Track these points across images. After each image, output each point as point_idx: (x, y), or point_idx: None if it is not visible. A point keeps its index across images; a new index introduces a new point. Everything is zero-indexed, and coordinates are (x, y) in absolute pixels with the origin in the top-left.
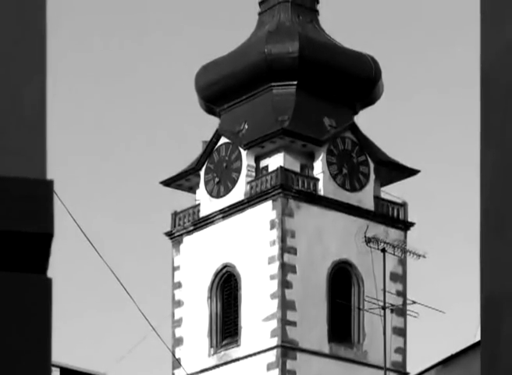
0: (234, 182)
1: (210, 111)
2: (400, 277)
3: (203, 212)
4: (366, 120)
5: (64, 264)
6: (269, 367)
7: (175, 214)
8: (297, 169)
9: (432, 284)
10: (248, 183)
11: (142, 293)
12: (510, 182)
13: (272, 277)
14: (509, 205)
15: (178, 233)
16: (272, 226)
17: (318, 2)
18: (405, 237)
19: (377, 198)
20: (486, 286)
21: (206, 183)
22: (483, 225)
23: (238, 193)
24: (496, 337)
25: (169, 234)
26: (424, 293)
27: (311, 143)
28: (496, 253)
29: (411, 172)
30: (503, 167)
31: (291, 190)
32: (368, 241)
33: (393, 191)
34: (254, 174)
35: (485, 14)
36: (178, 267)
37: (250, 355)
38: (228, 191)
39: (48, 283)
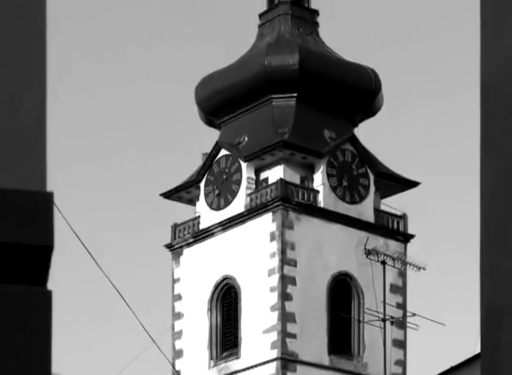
0: (234, 194)
1: (210, 123)
2: (400, 289)
3: (203, 225)
4: (366, 132)
5: (64, 276)
6: None
7: (175, 226)
8: (297, 181)
9: (432, 296)
10: (248, 195)
11: (142, 305)
12: (511, 192)
13: (272, 289)
14: (509, 215)
15: (178, 246)
16: (272, 239)
17: (318, 15)
18: (405, 249)
19: (377, 210)
20: (486, 297)
21: (206, 195)
22: (483, 236)
23: (238, 205)
24: (496, 349)
25: (169, 246)
26: (424, 305)
27: (311, 155)
28: (496, 264)
29: (411, 184)
30: (503, 177)
31: (291, 202)
32: (367, 253)
33: (393, 203)
34: (254, 186)
35: (485, 24)
36: (178, 279)
37: (251, 368)
38: (228, 203)
39: (48, 295)
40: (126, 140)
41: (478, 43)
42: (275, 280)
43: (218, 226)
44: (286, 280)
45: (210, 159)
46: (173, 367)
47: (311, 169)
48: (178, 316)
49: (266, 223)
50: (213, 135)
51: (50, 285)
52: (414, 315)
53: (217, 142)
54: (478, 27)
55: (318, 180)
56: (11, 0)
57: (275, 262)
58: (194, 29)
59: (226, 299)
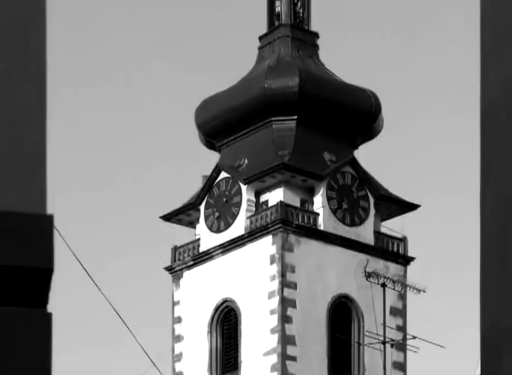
0: (234, 217)
1: (210, 145)
2: (400, 312)
3: (203, 247)
4: (366, 155)
5: (64, 299)
6: None
7: (175, 249)
8: (297, 203)
9: (432, 319)
10: (248, 217)
11: (142, 327)
12: (511, 215)
13: (272, 312)
14: (509, 238)
15: (178, 268)
16: (272, 261)
17: (318, 37)
18: (405, 271)
19: (377, 233)
20: (486, 320)
21: (206, 217)
22: (483, 259)
23: (238, 228)
24: (496, 371)
25: (169, 269)
26: (424, 328)
27: (311, 178)
28: (497, 287)
29: (411, 206)
30: (503, 200)
31: (291, 224)
32: (367, 275)
33: (393, 226)
34: (254, 209)
35: (485, 47)
36: (178, 302)
37: None
38: (228, 225)
39: (48, 317)
40: (126, 162)
41: (479, 65)
42: (275, 302)
43: (218, 248)
44: (286, 303)
45: (210, 182)
46: None
47: (311, 192)
48: (178, 338)
49: (266, 245)
50: (213, 158)
51: (50, 307)
52: (414, 337)
53: (217, 165)
54: (479, 49)
55: (318, 202)
56: (13, 27)
57: (275, 284)
58: (194, 51)
59: (226, 322)
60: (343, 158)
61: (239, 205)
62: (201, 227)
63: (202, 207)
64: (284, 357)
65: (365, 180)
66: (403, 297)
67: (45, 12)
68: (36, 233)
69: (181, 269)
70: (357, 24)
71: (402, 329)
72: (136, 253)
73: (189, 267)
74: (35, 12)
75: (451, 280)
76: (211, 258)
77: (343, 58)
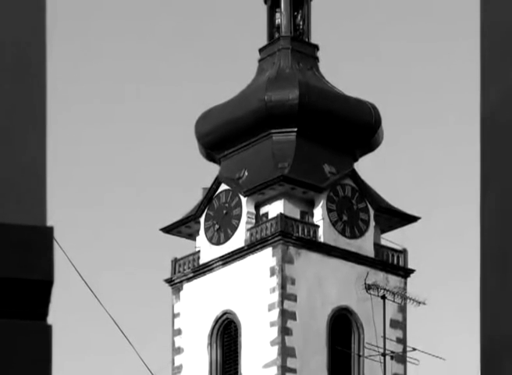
0: (234, 229)
1: (210, 158)
2: (400, 324)
3: (203, 259)
4: (366, 167)
5: (64, 311)
6: None
7: (175, 261)
8: (297, 215)
9: (432, 331)
10: (248, 230)
11: (142, 340)
12: (511, 228)
13: (272, 324)
14: (509, 251)
15: (178, 280)
16: (272, 273)
17: (318, 49)
18: (405, 283)
19: (377, 245)
20: (486, 332)
21: (206, 230)
22: (483, 271)
23: (238, 240)
24: None
25: (169, 281)
26: (424, 340)
27: (311, 190)
28: (497, 299)
29: (411, 219)
30: (503, 212)
31: (291, 237)
32: (367, 287)
33: (393, 238)
34: (254, 221)
35: (485, 63)
36: (178, 314)
37: None
38: (228, 237)
39: (48, 329)
40: (125, 174)
41: (479, 77)
42: (275, 314)
43: (218, 260)
44: (286, 315)
45: (210, 194)
46: None
47: (311, 204)
48: (178, 350)
49: (266, 257)
50: (213, 170)
51: (50, 319)
52: (414, 349)
53: (217, 177)
54: (479, 64)
55: (318, 214)
56: (15, 49)
57: (275, 296)
58: (194, 63)
59: (226, 334)
60: (343, 170)
61: (239, 217)
62: (201, 239)
63: (202, 219)
64: (284, 369)
65: (365, 192)
66: (403, 309)
67: (45, 36)
68: (36, 246)
69: (181, 282)
70: (356, 36)
71: (402, 341)
72: (136, 265)
73: (189, 279)
74: (35, 36)
75: (451, 293)
76: (211, 270)
77: (343, 70)
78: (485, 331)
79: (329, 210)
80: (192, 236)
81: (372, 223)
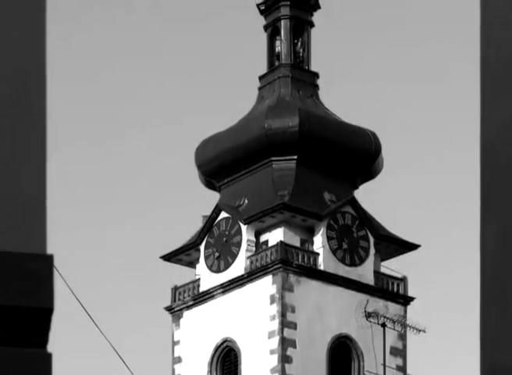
0: (234, 257)
1: (210, 185)
2: (400, 352)
3: (203, 287)
4: (366, 195)
5: (64, 338)
6: None
7: (175, 289)
8: (297, 243)
9: (433, 359)
10: (248, 257)
11: (142, 367)
12: (510, 256)
13: (272, 352)
14: (509, 279)
15: (178, 308)
16: (272, 301)
17: (318, 77)
18: (405, 311)
19: (377, 273)
20: (486, 360)
21: (206, 257)
22: (483, 299)
23: (238, 268)
24: None
25: (169, 309)
26: (424, 368)
27: (311, 218)
28: (497, 327)
29: (411, 246)
30: (503, 241)
31: (291, 264)
32: (368, 315)
33: (393, 266)
34: (254, 249)
35: (485, 89)
36: (178, 342)
37: None
38: (228, 265)
39: (48, 357)
40: (126, 202)
41: (478, 107)
42: (275, 342)
43: (219, 288)
44: (286, 343)
45: (210, 222)
46: None
47: (311, 232)
48: None
49: (266, 285)
50: (213, 197)
51: (50, 347)
52: None
53: (217, 204)
54: (479, 90)
55: (318, 242)
56: (15, 80)
57: (275, 324)
58: (195, 90)
59: (226, 362)
60: (343, 198)
61: (239, 244)
62: (201, 267)
63: (202, 247)
64: None
65: (365, 220)
66: (403, 337)
67: (45, 68)
68: (36, 273)
69: (181, 309)
70: (356, 64)
71: (402, 369)
72: (136, 293)
73: (189, 307)
74: (35, 68)
75: (451, 321)
76: (211, 298)
77: (343, 98)
78: (484, 360)
79: (329, 238)
80: (192, 264)
81: (372, 251)
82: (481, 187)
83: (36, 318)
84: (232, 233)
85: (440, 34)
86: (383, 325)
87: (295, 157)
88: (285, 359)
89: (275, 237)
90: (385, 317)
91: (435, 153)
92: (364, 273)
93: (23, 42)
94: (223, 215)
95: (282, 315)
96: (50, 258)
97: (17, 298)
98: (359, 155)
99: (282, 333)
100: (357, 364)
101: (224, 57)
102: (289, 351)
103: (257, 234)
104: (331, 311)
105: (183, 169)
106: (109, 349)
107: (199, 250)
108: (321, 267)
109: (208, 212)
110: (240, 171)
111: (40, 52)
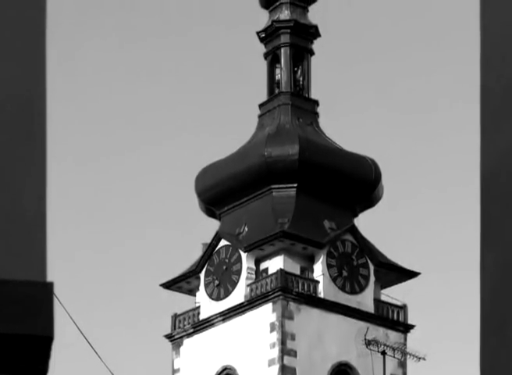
0: (234, 284)
1: (210, 213)
2: None
3: (203, 315)
4: (366, 222)
5: (64, 367)
6: None
7: (175, 316)
8: (297, 271)
9: None
10: (248, 285)
11: None
12: (511, 284)
13: None
14: (509, 307)
15: (178, 336)
16: (272, 329)
17: (317, 105)
18: (405, 339)
19: (377, 301)
20: None
21: (206, 285)
22: (483, 327)
23: (238, 295)
24: None
25: (169, 337)
26: None
27: (311, 245)
28: (497, 355)
29: (411, 274)
30: (503, 269)
31: (291, 292)
32: (368, 343)
33: (393, 294)
34: (254, 277)
35: (485, 116)
36: (178, 370)
37: None
38: (228, 293)
39: None
40: (126, 229)
41: (479, 133)
42: (275, 370)
43: (219, 316)
44: (286, 371)
45: (210, 250)
46: None
47: (311, 260)
48: None
49: (266, 313)
50: (213, 225)
51: None
52: None
53: (217, 232)
54: (479, 117)
55: (318, 270)
56: (17, 84)
57: (275, 352)
58: (194, 119)
59: None
60: (343, 225)
61: (239, 272)
62: (201, 295)
63: (202, 275)
64: None
65: (365, 247)
66: (403, 364)
67: (45, 84)
68: (36, 301)
69: (181, 337)
70: (356, 92)
71: None
72: (136, 321)
73: (189, 335)
74: (36, 84)
75: (451, 348)
76: (211, 325)
77: (343, 125)
78: None
79: (329, 266)
80: (192, 291)
81: (372, 279)
82: (482, 215)
83: (36, 346)
84: (232, 261)
85: (440, 63)
86: (383, 353)
87: (295, 185)
88: None
89: (275, 264)
90: (385, 345)
91: (434, 181)
92: (364, 300)
93: (24, 57)
94: (223, 242)
95: (282, 343)
96: (50, 285)
97: (17, 326)
98: (359, 182)
99: (283, 360)
100: None
101: (224, 84)
102: None
103: (257, 262)
104: (331, 339)
105: (183, 197)
106: None
107: (199, 278)
108: (322, 295)
109: (208, 240)
110: (239, 199)
111: (41, 68)
